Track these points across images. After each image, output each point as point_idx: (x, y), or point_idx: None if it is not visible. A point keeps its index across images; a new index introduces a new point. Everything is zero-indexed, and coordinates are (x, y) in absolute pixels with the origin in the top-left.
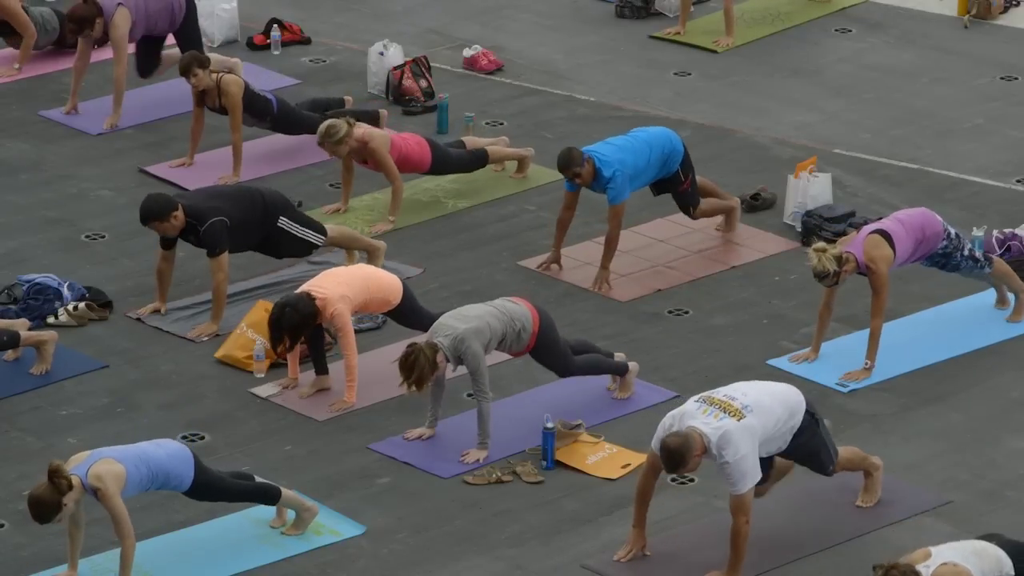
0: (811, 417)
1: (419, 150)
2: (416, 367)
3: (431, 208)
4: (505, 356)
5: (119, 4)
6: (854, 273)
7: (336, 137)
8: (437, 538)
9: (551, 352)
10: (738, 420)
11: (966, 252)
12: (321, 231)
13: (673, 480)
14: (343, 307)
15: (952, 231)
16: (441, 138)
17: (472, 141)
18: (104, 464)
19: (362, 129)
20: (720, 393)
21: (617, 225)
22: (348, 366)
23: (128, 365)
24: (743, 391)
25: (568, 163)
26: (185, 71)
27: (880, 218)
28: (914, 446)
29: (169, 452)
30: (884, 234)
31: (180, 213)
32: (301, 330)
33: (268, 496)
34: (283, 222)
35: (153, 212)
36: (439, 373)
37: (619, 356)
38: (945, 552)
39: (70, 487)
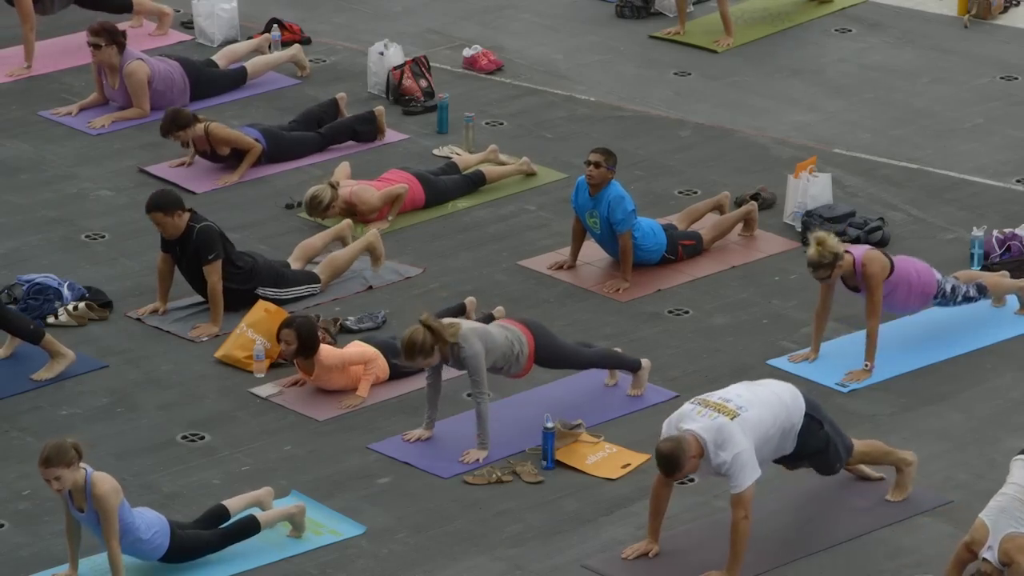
0: (811, 419)
1: (410, 195)
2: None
3: (432, 208)
4: None
5: (138, 58)
6: (847, 272)
7: (321, 206)
8: (437, 538)
9: (556, 355)
10: (732, 418)
11: (960, 299)
12: (311, 281)
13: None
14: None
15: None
16: (441, 139)
17: (464, 161)
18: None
19: (347, 188)
20: (716, 396)
21: (630, 244)
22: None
23: (128, 365)
24: (738, 392)
25: (602, 150)
26: (165, 134)
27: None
28: (914, 446)
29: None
30: (885, 254)
31: (185, 216)
32: (309, 344)
33: (248, 531)
34: (263, 292)
35: (160, 204)
36: (433, 361)
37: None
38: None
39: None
